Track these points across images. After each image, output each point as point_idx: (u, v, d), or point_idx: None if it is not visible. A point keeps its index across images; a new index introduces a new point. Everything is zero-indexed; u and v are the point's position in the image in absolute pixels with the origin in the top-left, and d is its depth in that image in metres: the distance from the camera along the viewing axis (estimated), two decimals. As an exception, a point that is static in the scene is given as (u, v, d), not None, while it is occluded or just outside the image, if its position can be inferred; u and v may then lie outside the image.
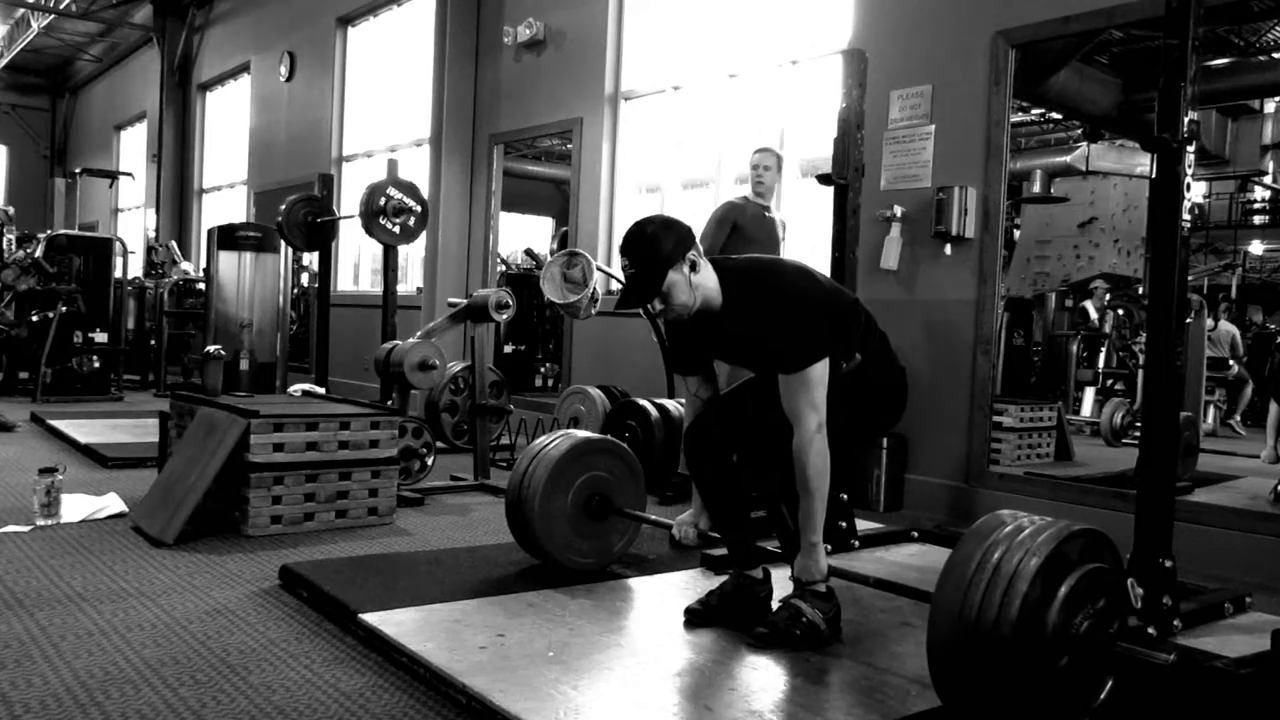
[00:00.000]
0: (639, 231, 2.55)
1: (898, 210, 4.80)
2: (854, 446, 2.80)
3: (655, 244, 2.50)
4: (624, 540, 3.33)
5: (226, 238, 8.40)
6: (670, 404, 5.05)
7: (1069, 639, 1.97)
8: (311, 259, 9.60)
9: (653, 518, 3.22)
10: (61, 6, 14.30)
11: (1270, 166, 10.06)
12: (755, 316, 2.55)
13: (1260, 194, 15.25)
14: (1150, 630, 2.68)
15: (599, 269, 5.27)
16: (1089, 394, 7.83)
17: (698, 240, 2.59)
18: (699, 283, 2.54)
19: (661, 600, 2.94)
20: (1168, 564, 2.72)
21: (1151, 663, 2.08)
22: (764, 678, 2.39)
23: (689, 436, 2.80)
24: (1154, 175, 2.74)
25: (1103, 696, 2.08)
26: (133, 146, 15.65)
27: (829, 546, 2.89)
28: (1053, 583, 1.95)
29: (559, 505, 3.12)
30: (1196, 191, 3.92)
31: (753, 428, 2.67)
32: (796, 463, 2.50)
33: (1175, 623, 2.74)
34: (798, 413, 2.49)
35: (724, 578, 2.86)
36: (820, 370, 2.50)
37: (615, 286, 5.75)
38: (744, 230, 4.85)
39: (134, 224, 14.86)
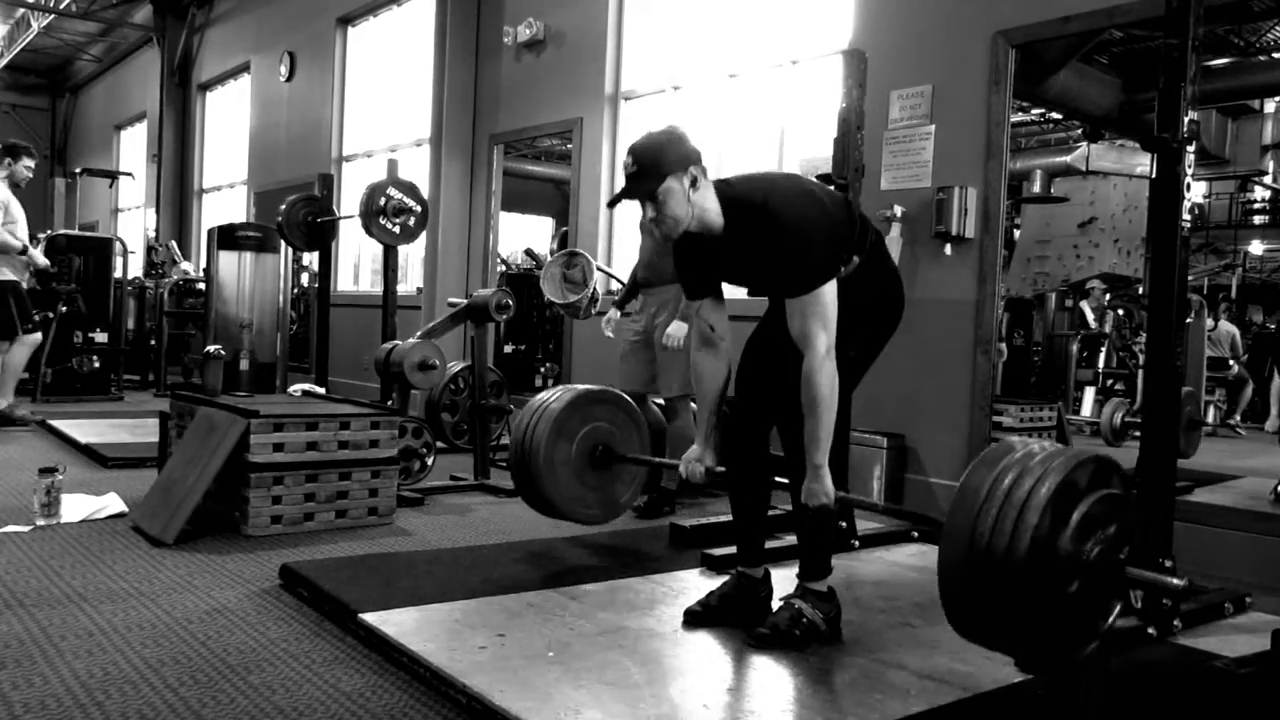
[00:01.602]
0: (648, 135, 2.55)
1: (898, 210, 4.80)
2: (864, 367, 2.71)
3: (661, 149, 2.49)
4: (630, 492, 3.32)
5: (226, 238, 8.40)
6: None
7: (1080, 564, 1.98)
8: (311, 259, 9.60)
9: (658, 460, 3.23)
10: (61, 6, 14.30)
11: (1270, 166, 10.08)
12: (757, 246, 2.51)
13: (1260, 194, 15.26)
14: (1150, 630, 2.68)
15: (599, 269, 5.27)
16: (1089, 394, 7.84)
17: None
18: (697, 201, 2.51)
19: (661, 600, 2.95)
20: (1168, 564, 2.72)
21: (1164, 587, 2.09)
22: (764, 678, 2.39)
23: (730, 427, 2.77)
24: (1154, 175, 2.75)
25: (1111, 620, 2.10)
26: (133, 146, 15.65)
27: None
28: (1064, 509, 1.96)
29: (563, 457, 3.11)
30: (1196, 191, 3.92)
31: (776, 387, 2.65)
32: (805, 384, 2.44)
33: (1175, 623, 2.74)
34: (808, 333, 2.44)
35: (724, 578, 2.86)
36: (830, 290, 2.46)
37: (615, 286, 5.75)
38: (644, 221, 4.80)
39: (134, 224, 14.86)
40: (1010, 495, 1.94)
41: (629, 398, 3.93)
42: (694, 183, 2.50)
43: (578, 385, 3.33)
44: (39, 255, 6.66)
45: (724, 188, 2.58)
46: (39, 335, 6.78)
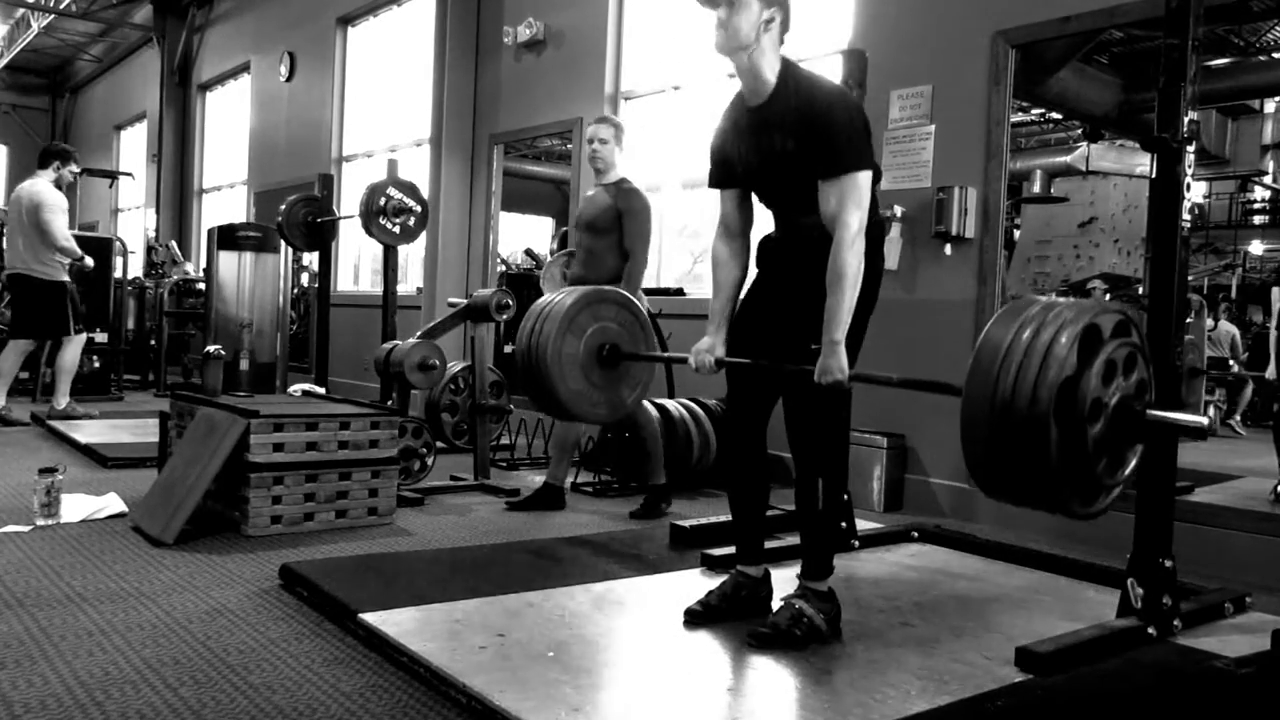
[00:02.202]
0: None
1: (898, 210, 4.80)
2: (856, 351, 2.69)
3: None
4: (635, 394, 3.31)
5: (226, 238, 8.40)
6: (670, 404, 5.05)
7: (1102, 409, 2.00)
8: (311, 259, 9.59)
9: (666, 355, 3.23)
10: (61, 6, 14.30)
11: (1270, 166, 10.06)
12: (804, 114, 2.50)
13: (1260, 194, 15.25)
14: (1150, 630, 2.68)
15: (599, 269, 5.27)
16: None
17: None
18: (764, 42, 2.54)
19: (661, 600, 2.94)
20: (1168, 564, 2.72)
21: (1185, 427, 2.12)
22: (763, 678, 2.39)
23: (728, 434, 2.84)
24: (1154, 175, 2.75)
25: (1130, 469, 2.13)
26: (133, 146, 15.65)
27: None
28: (1088, 353, 2.01)
29: (570, 354, 3.10)
30: (1196, 191, 3.92)
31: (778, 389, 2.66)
32: (834, 258, 2.43)
33: (1175, 623, 2.74)
34: (843, 211, 2.43)
35: (724, 577, 2.86)
36: (867, 180, 2.46)
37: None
38: (579, 217, 4.42)
39: (134, 224, 14.85)
40: (1033, 344, 1.96)
41: None
42: (769, 24, 2.53)
43: (584, 286, 3.34)
44: (88, 259, 6.91)
45: (789, 61, 2.62)
46: (85, 335, 7.03)
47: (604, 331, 3.17)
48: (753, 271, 2.83)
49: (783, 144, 2.55)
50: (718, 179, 2.77)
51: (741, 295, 2.81)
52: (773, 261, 2.76)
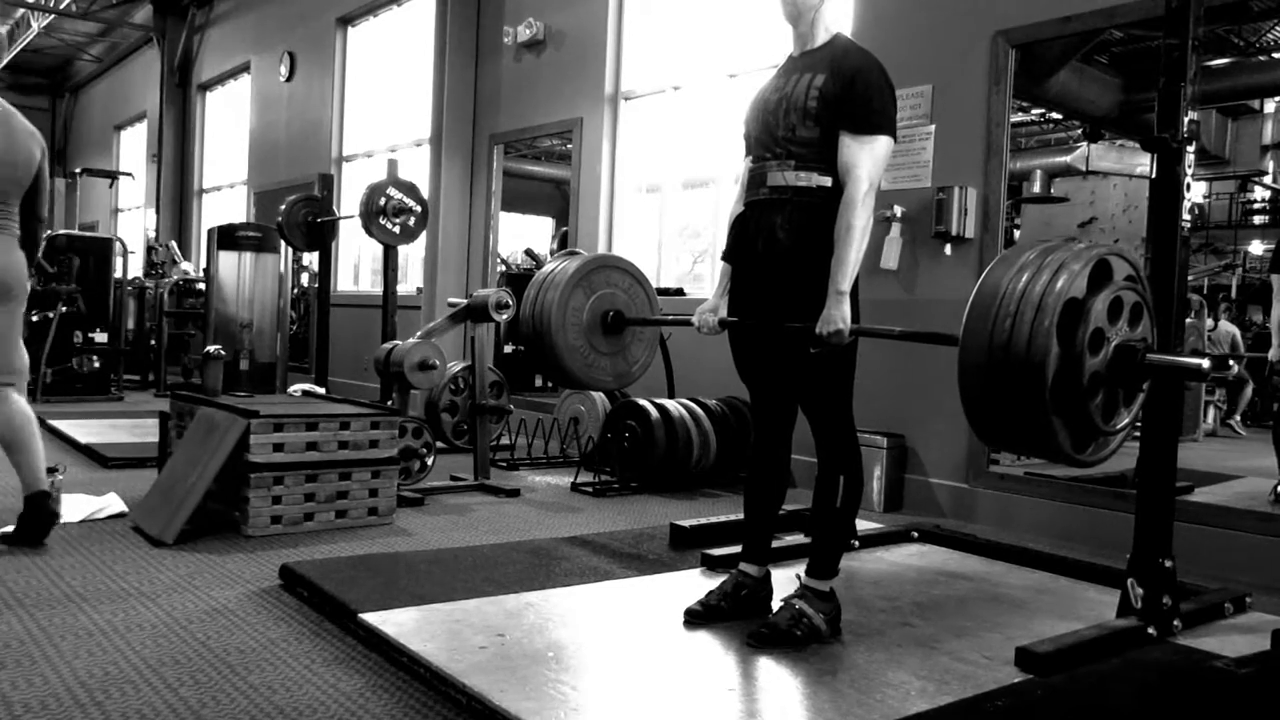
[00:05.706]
0: None
1: (898, 210, 4.80)
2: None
3: None
4: (639, 364, 3.31)
5: (226, 238, 8.40)
6: (670, 404, 5.05)
7: (1103, 342, 2.07)
8: (311, 259, 9.60)
9: (670, 317, 3.24)
10: (61, 6, 14.29)
11: (1270, 166, 10.06)
12: (847, 60, 2.58)
13: (1260, 194, 15.26)
14: (1150, 630, 2.68)
15: (599, 269, 5.27)
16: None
17: None
18: (824, 6, 2.65)
19: (661, 600, 2.94)
20: (1168, 564, 2.72)
21: (1188, 368, 2.16)
22: (763, 678, 2.39)
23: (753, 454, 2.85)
24: (1154, 175, 2.75)
25: (1133, 415, 2.14)
26: (133, 146, 15.65)
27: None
28: (1097, 283, 2.05)
29: (575, 322, 3.09)
30: (1196, 191, 3.92)
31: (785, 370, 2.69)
32: (843, 211, 2.51)
33: (1175, 623, 2.74)
34: (860, 168, 2.51)
35: (724, 577, 2.86)
36: (886, 149, 2.55)
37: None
38: None
39: (134, 224, 14.86)
40: (1029, 288, 1.99)
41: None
42: None
43: (583, 252, 3.34)
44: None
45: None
46: None
47: (606, 298, 3.17)
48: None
49: (812, 79, 2.60)
50: (746, 145, 2.82)
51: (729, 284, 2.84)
52: (749, 248, 2.72)
